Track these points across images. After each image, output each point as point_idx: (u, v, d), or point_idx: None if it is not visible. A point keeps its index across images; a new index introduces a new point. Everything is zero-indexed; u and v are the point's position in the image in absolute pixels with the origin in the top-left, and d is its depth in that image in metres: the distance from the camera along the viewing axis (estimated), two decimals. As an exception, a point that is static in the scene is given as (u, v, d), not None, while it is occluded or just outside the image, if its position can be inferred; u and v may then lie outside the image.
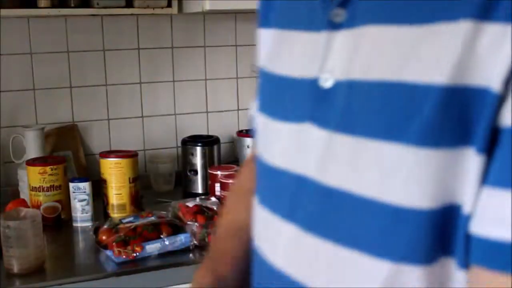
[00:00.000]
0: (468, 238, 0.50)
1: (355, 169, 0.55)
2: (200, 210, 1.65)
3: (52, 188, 1.77)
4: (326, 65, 0.58)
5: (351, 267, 0.55)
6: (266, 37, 0.73)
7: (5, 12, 1.76)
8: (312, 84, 0.60)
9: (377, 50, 0.54)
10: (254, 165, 0.74)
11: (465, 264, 0.51)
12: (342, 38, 0.57)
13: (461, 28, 0.49)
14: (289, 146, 0.63)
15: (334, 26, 0.58)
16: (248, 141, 2.12)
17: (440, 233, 0.51)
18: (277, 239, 0.63)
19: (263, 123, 0.70)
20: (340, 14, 0.58)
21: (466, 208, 0.50)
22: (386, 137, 0.53)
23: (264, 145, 0.69)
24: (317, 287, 0.58)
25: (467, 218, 0.50)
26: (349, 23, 0.57)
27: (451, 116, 0.50)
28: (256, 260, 0.68)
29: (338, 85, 0.57)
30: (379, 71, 0.54)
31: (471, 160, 0.49)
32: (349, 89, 0.56)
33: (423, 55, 0.51)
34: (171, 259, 1.52)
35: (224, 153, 2.23)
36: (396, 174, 0.52)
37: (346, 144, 0.55)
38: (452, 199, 0.51)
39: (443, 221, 0.51)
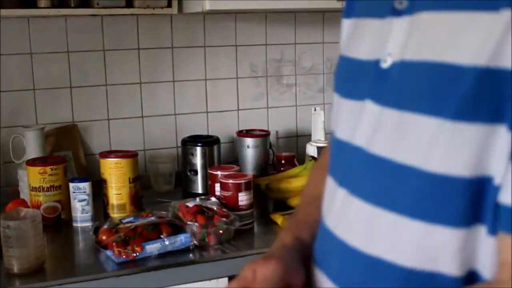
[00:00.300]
0: (497, 207, 0.55)
1: (399, 140, 0.62)
2: (200, 210, 1.65)
3: (52, 188, 1.77)
4: (387, 47, 0.66)
5: (389, 228, 0.62)
6: (347, 26, 0.81)
7: (5, 12, 1.76)
8: (374, 65, 0.68)
9: (427, 33, 0.61)
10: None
11: (494, 232, 0.56)
12: (401, 23, 0.65)
13: (501, 17, 0.55)
14: (350, 120, 0.71)
15: (396, 12, 0.66)
16: (248, 141, 2.12)
17: (473, 201, 0.57)
18: (332, 204, 0.72)
19: (336, 102, 0.79)
20: (402, 2, 0.65)
21: (497, 180, 0.55)
22: (428, 111, 0.59)
23: (335, 122, 0.78)
24: (356, 245, 0.65)
25: (497, 189, 0.55)
26: (409, 10, 0.64)
27: (485, 95, 0.56)
28: (320, 224, 0.77)
29: (394, 66, 0.65)
30: (427, 52, 0.61)
31: (503, 137, 0.55)
32: (401, 69, 0.64)
33: (466, 39, 0.57)
34: (171, 259, 1.52)
35: (224, 153, 2.23)
36: (436, 145, 0.58)
37: (393, 118, 0.63)
38: (485, 171, 0.56)
39: (476, 190, 0.57)
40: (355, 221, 0.67)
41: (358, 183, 0.67)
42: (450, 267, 0.59)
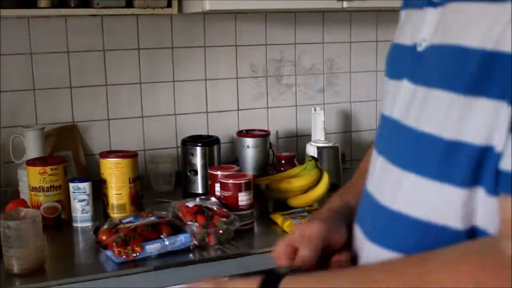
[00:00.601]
0: (498, 173, 0.65)
1: (423, 112, 0.73)
2: (200, 210, 1.65)
3: (52, 188, 1.77)
4: (422, 33, 0.77)
5: (411, 187, 0.74)
6: (402, 17, 0.93)
7: (5, 12, 1.76)
8: (412, 49, 0.79)
9: (451, 21, 0.72)
10: None
11: (491, 193, 0.66)
12: (434, 12, 0.76)
13: (507, 7, 0.65)
14: (391, 98, 0.82)
15: (432, 4, 0.77)
16: (248, 141, 2.12)
17: (476, 165, 0.67)
18: (373, 170, 0.84)
19: (385, 84, 0.89)
20: None
21: (498, 149, 0.65)
22: (444, 87, 0.71)
23: (384, 101, 0.89)
24: (385, 203, 0.78)
25: (497, 157, 0.65)
26: (442, 2, 0.75)
27: (490, 75, 0.66)
28: (363, 189, 0.89)
29: (427, 49, 0.76)
30: (448, 37, 0.72)
31: (505, 111, 0.64)
32: (431, 51, 0.75)
33: (477, 26, 0.67)
34: (171, 259, 1.53)
35: (224, 153, 2.23)
36: (450, 116, 0.69)
37: (421, 94, 0.74)
38: (489, 141, 0.66)
39: (480, 157, 0.67)
40: (386, 183, 0.79)
41: (392, 151, 0.80)
42: (455, 221, 0.69)
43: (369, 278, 0.72)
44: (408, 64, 0.80)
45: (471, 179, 0.68)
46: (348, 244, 0.89)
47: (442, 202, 0.70)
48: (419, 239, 0.73)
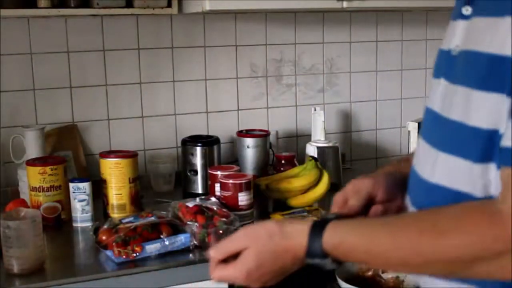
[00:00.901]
0: (500, 149, 0.81)
1: (452, 103, 0.90)
2: (200, 210, 1.65)
3: (52, 188, 1.77)
4: (455, 41, 0.94)
5: (444, 164, 0.91)
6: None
7: (5, 12, 1.76)
8: (448, 53, 0.95)
9: (475, 31, 0.89)
10: None
11: (499, 168, 0.82)
12: (464, 23, 0.93)
13: (509, 21, 0.81)
14: (433, 93, 0.99)
15: (463, 17, 0.93)
16: (248, 141, 2.12)
17: (489, 145, 0.83)
18: (418, 151, 1.01)
19: (431, 82, 1.04)
20: (468, 9, 0.92)
21: (501, 131, 0.81)
22: (463, 83, 0.88)
23: (429, 96, 1.03)
24: (425, 177, 0.95)
25: (500, 137, 0.81)
26: (469, 16, 0.91)
27: (497, 73, 0.82)
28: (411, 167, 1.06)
29: (459, 53, 0.92)
30: (474, 45, 0.87)
31: (506, 102, 0.80)
32: (460, 55, 0.91)
33: (497, 36, 0.83)
34: (171, 259, 1.53)
35: (224, 153, 2.23)
36: (469, 107, 0.86)
37: (452, 89, 0.91)
38: (497, 126, 0.82)
39: (492, 138, 0.83)
40: (426, 161, 0.96)
41: (431, 135, 0.96)
42: (476, 190, 0.86)
43: (393, 223, 0.91)
44: (444, 65, 0.97)
45: (485, 157, 0.84)
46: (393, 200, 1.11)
47: (465, 174, 0.87)
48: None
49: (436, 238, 0.82)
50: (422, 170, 0.97)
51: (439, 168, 0.92)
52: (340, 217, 0.97)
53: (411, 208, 1.01)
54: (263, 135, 2.15)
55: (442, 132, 0.93)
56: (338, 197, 1.12)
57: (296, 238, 0.92)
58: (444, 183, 0.91)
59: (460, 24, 0.94)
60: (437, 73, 1.00)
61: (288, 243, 0.93)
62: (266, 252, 0.96)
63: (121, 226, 1.59)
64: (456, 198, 0.88)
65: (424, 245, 0.83)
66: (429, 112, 0.99)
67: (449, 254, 0.81)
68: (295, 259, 0.94)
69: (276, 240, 0.95)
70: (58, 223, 1.78)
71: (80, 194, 1.76)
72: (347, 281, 1.71)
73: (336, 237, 0.90)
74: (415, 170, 1.00)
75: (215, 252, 1.05)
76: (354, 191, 1.10)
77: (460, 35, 0.93)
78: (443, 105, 0.93)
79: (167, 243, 1.54)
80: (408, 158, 1.14)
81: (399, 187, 1.09)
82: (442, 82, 0.95)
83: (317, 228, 0.91)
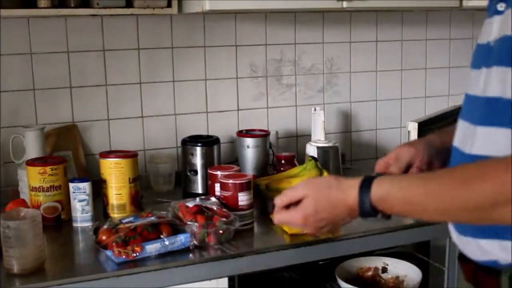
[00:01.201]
0: None
1: (492, 82, 1.01)
2: (200, 210, 1.65)
3: (52, 188, 1.77)
4: (493, 34, 1.05)
5: (483, 136, 1.02)
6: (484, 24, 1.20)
7: (5, 12, 1.76)
8: (487, 45, 1.07)
9: (508, 20, 1.00)
10: None
11: None
12: (499, 18, 1.05)
13: None
14: (473, 81, 1.09)
15: (498, 12, 1.05)
16: (248, 141, 2.12)
17: None
18: (459, 132, 1.12)
19: (470, 74, 1.15)
20: (502, 6, 1.04)
21: None
22: (500, 63, 1.00)
23: (468, 86, 1.14)
24: (465, 150, 1.06)
25: None
26: (503, 11, 1.03)
27: None
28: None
29: (495, 42, 1.04)
30: (506, 30, 1.00)
31: None
32: (498, 42, 1.03)
33: None
34: (171, 259, 1.52)
35: (224, 153, 2.23)
36: (506, 82, 0.98)
37: (492, 72, 1.02)
38: None
39: None
40: (467, 138, 1.07)
41: (472, 115, 1.07)
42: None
43: (428, 176, 1.04)
44: (483, 56, 1.08)
45: None
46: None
47: (503, 141, 0.97)
48: None
49: (462, 184, 0.92)
50: (463, 146, 1.08)
51: (478, 140, 1.03)
52: (382, 175, 1.09)
53: None
54: (263, 135, 2.15)
55: (481, 110, 1.04)
56: (380, 162, 1.29)
57: (349, 191, 1.05)
58: (482, 152, 1.02)
59: (496, 19, 1.05)
60: (478, 64, 1.10)
61: (343, 195, 1.06)
62: (324, 200, 1.09)
63: (121, 226, 1.59)
64: None
65: (452, 192, 0.93)
66: (469, 97, 1.11)
67: (473, 199, 0.91)
68: (350, 211, 1.06)
69: (333, 191, 1.08)
70: (58, 223, 1.78)
71: (80, 194, 1.76)
72: (347, 281, 1.71)
73: (382, 190, 1.02)
74: (456, 147, 1.11)
75: (279, 199, 1.16)
76: (396, 158, 1.27)
77: (496, 28, 1.05)
78: (484, 88, 1.04)
79: (167, 243, 1.54)
80: (448, 131, 1.26)
81: (437, 156, 1.26)
82: (483, 70, 1.06)
83: (366, 183, 1.03)
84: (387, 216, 1.05)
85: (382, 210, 1.03)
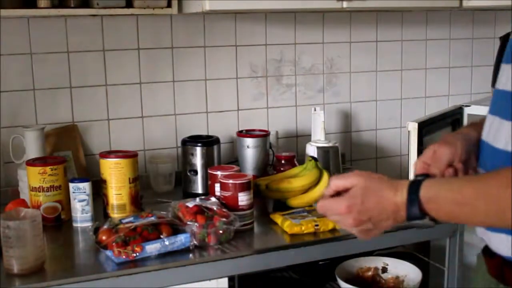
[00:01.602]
0: None
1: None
2: (200, 210, 1.65)
3: (52, 188, 1.77)
4: None
5: (506, 130, 1.05)
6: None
7: (5, 12, 1.76)
8: None
9: None
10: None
11: None
12: None
13: None
14: (505, 77, 1.11)
15: None
16: (248, 141, 2.12)
17: None
18: (488, 127, 1.14)
19: (503, 68, 1.15)
20: None
21: None
22: None
23: (499, 80, 1.16)
24: (491, 142, 1.11)
25: None
26: None
27: None
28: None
29: None
30: None
31: None
32: None
33: None
34: (171, 259, 1.52)
35: (224, 153, 2.23)
36: None
37: None
38: None
39: None
40: (499, 133, 1.08)
41: (500, 109, 1.10)
42: None
43: (477, 179, 1.04)
44: None
45: None
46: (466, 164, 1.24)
47: None
48: None
49: (507, 187, 0.93)
50: (495, 142, 1.09)
51: (503, 134, 1.06)
52: (428, 176, 1.12)
53: (481, 171, 1.17)
54: (263, 135, 2.15)
55: (510, 104, 1.06)
56: (419, 163, 1.25)
57: (399, 190, 1.03)
58: (505, 148, 1.05)
59: None
60: (509, 59, 1.12)
61: (392, 192, 1.04)
62: (373, 192, 1.06)
63: (121, 226, 1.59)
64: None
65: (500, 193, 0.95)
66: (499, 92, 1.13)
67: None
68: (395, 210, 1.04)
69: (384, 186, 1.06)
70: (58, 223, 1.78)
71: (80, 194, 1.76)
72: (347, 281, 1.71)
73: (431, 191, 1.01)
74: (487, 142, 1.13)
75: (327, 187, 1.14)
76: (435, 159, 1.23)
77: None
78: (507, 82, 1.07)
79: (167, 243, 1.54)
80: (477, 123, 1.28)
81: (475, 151, 1.24)
82: None
83: (415, 184, 1.03)
84: (434, 220, 1.05)
85: (429, 212, 1.02)
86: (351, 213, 1.07)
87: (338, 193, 1.11)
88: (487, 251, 1.15)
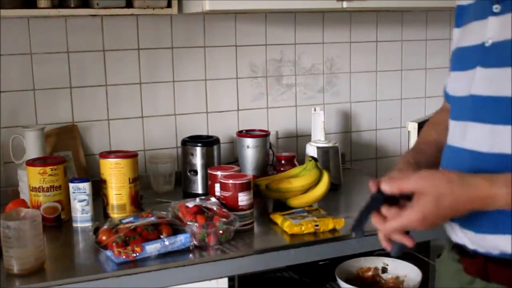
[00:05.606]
0: None
1: (493, 82, 1.08)
2: (200, 211, 1.65)
3: (52, 189, 1.77)
4: (487, 34, 1.11)
5: (494, 134, 1.07)
6: (457, 32, 1.28)
7: (5, 12, 1.76)
8: (481, 46, 1.12)
9: (507, 24, 1.07)
10: (445, 111, 1.31)
11: None
12: (495, 19, 1.10)
13: None
14: (464, 82, 1.14)
15: (494, 14, 1.10)
16: (248, 141, 2.12)
17: None
18: (455, 132, 1.16)
19: (453, 77, 1.22)
20: (498, 7, 1.10)
21: None
22: (502, 65, 1.06)
23: (453, 89, 1.21)
24: (485, 150, 1.08)
25: None
26: (501, 12, 1.09)
27: None
28: (445, 149, 1.21)
29: (493, 44, 1.10)
30: (506, 35, 1.07)
31: None
32: (496, 45, 1.09)
33: None
34: (171, 259, 1.53)
35: (224, 153, 2.23)
36: (506, 81, 1.04)
37: (492, 72, 1.09)
38: None
39: None
40: (481, 138, 1.09)
41: (474, 113, 1.11)
42: None
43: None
44: (477, 56, 1.12)
45: None
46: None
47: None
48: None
49: None
50: (478, 146, 1.09)
51: (501, 138, 1.06)
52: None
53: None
54: (263, 135, 2.15)
55: (494, 109, 1.07)
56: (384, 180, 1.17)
57: (477, 183, 0.99)
58: (506, 151, 1.05)
59: (490, 20, 1.11)
60: (469, 65, 1.14)
61: (470, 189, 0.99)
62: (447, 198, 1.00)
63: (121, 226, 1.59)
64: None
65: None
66: (462, 99, 1.14)
67: None
68: (481, 202, 1.00)
69: (456, 186, 1.00)
70: (58, 223, 1.78)
71: (80, 194, 1.77)
72: (347, 281, 1.71)
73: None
74: (467, 149, 1.11)
75: (387, 186, 1.06)
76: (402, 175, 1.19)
77: (493, 29, 1.10)
78: (487, 87, 1.08)
79: (167, 243, 1.54)
80: (420, 149, 1.31)
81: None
82: (480, 69, 1.11)
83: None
84: None
85: None
86: (426, 224, 1.02)
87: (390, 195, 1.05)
88: (464, 252, 1.14)
